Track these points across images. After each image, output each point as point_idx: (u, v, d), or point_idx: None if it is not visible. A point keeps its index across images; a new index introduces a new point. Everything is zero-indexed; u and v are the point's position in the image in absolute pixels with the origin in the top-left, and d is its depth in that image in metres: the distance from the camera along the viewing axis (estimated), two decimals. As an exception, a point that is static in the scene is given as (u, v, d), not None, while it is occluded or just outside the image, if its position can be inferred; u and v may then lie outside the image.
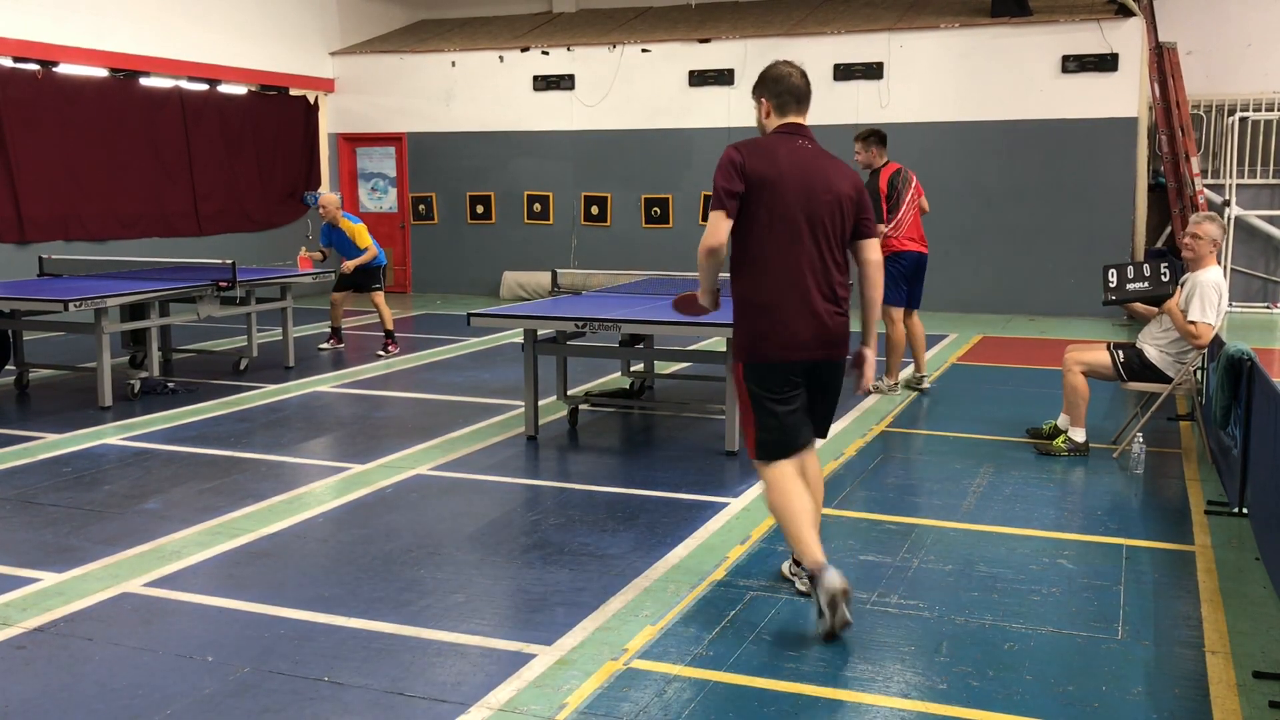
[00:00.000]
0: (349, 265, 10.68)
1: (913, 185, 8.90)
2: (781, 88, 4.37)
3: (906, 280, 8.84)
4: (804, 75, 4.41)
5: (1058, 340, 10.96)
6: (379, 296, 10.79)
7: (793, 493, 4.27)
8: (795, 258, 4.25)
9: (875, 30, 14.02)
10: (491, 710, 3.55)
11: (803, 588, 4.46)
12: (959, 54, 13.72)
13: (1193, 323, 6.41)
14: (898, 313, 8.83)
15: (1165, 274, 6.55)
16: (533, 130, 15.46)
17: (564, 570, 4.83)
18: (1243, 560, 4.96)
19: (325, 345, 11.03)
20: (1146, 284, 6.62)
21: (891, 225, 8.71)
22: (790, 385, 4.31)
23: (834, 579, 4.05)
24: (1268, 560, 4.67)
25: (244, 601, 4.47)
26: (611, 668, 3.86)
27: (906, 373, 9.14)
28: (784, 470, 4.31)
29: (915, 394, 8.75)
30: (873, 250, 4.45)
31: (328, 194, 11.18)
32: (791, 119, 4.38)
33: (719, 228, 4.19)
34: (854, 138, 8.87)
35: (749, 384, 4.34)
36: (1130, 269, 6.70)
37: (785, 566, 4.69)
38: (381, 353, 10.53)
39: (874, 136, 8.75)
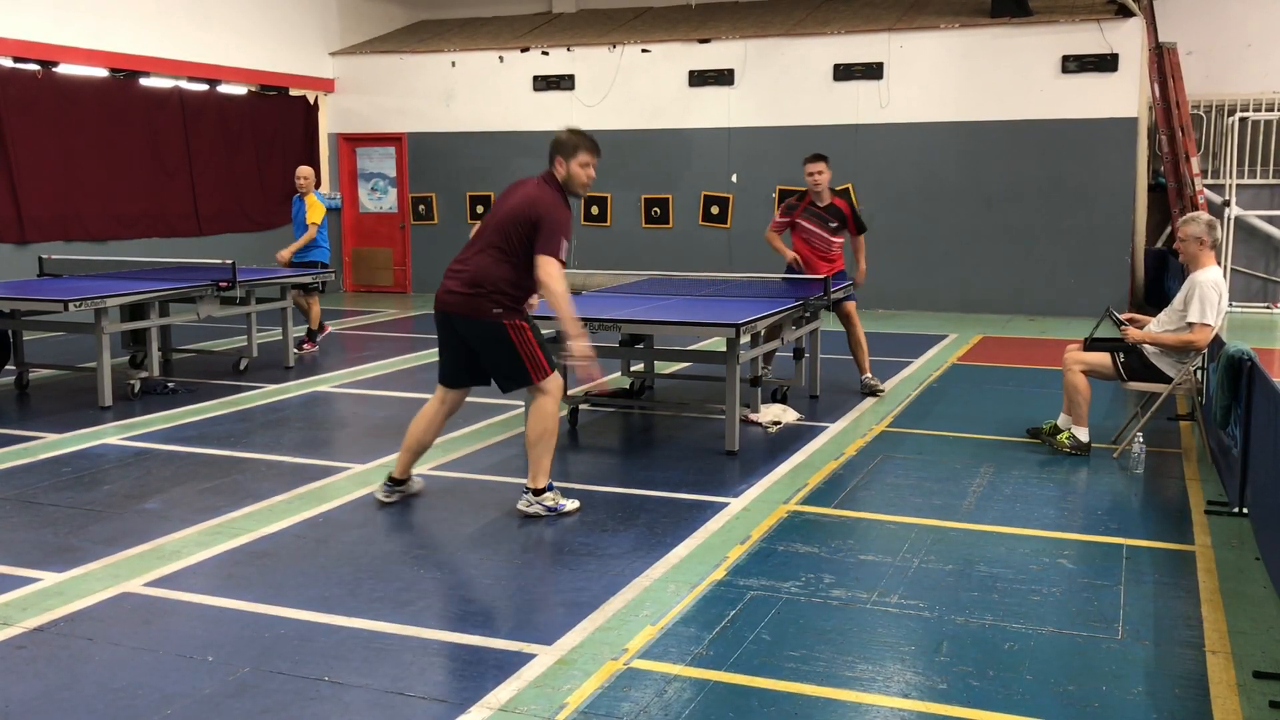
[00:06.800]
0: (284, 255, 10.76)
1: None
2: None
3: None
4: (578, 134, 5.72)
5: (1058, 340, 10.96)
6: (313, 298, 10.79)
7: (419, 414, 5.74)
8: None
9: (875, 30, 14.02)
10: (491, 710, 3.55)
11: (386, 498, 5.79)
12: (959, 54, 13.72)
13: (1190, 324, 6.42)
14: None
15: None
16: (533, 130, 15.44)
17: (564, 570, 4.83)
18: (1243, 560, 4.96)
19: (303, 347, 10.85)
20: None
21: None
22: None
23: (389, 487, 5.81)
24: (1268, 560, 4.67)
25: (244, 601, 4.46)
26: (611, 668, 3.86)
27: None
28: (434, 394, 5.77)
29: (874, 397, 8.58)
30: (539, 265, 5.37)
31: (303, 166, 11.17)
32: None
33: None
34: (812, 159, 8.54)
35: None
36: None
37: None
38: (297, 350, 10.41)
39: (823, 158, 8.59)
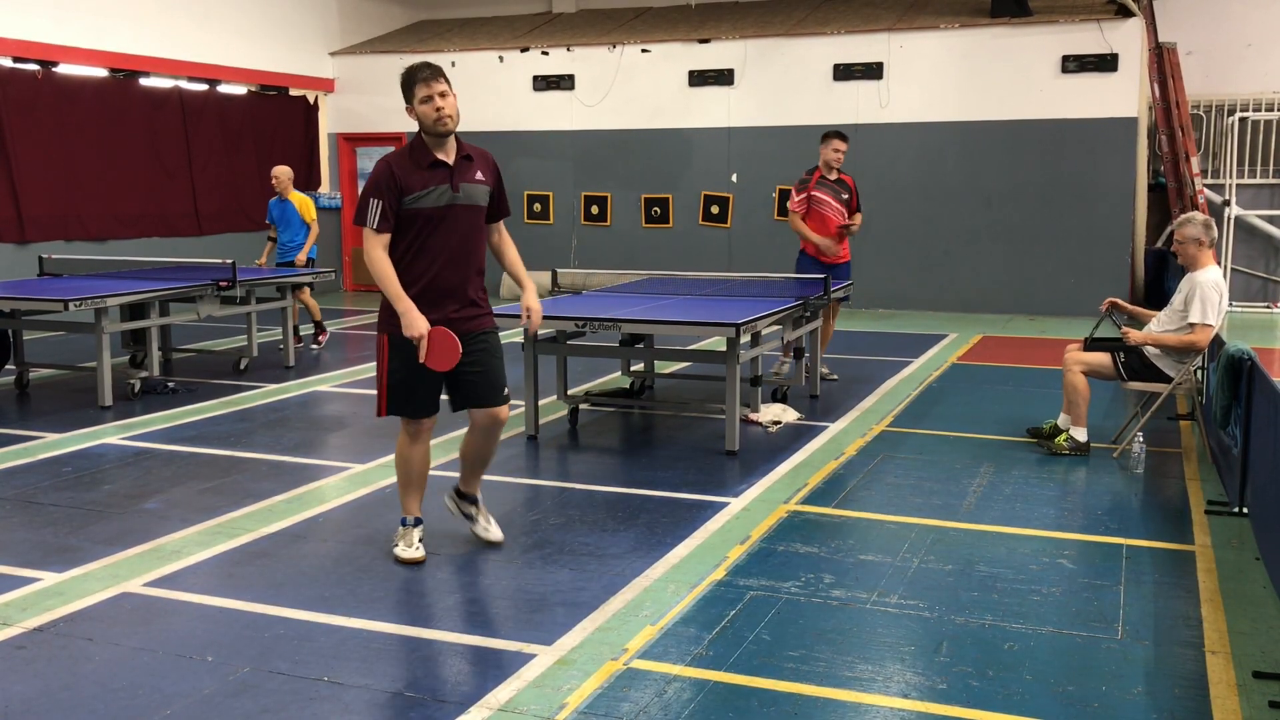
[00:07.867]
0: (263, 261, 10.82)
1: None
2: None
3: None
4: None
5: (1058, 340, 10.95)
6: (305, 293, 10.83)
7: None
8: None
9: (875, 30, 14.02)
10: (491, 710, 3.55)
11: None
12: (959, 54, 13.72)
13: (1191, 325, 6.42)
14: None
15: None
16: (533, 130, 15.45)
17: (564, 570, 4.83)
18: (1243, 560, 4.96)
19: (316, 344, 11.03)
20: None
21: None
22: None
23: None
24: (1268, 560, 4.67)
25: (244, 601, 4.46)
26: (611, 668, 3.86)
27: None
28: None
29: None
30: None
31: (281, 166, 10.98)
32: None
33: None
34: (838, 136, 8.96)
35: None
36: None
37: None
38: (314, 345, 10.74)
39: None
